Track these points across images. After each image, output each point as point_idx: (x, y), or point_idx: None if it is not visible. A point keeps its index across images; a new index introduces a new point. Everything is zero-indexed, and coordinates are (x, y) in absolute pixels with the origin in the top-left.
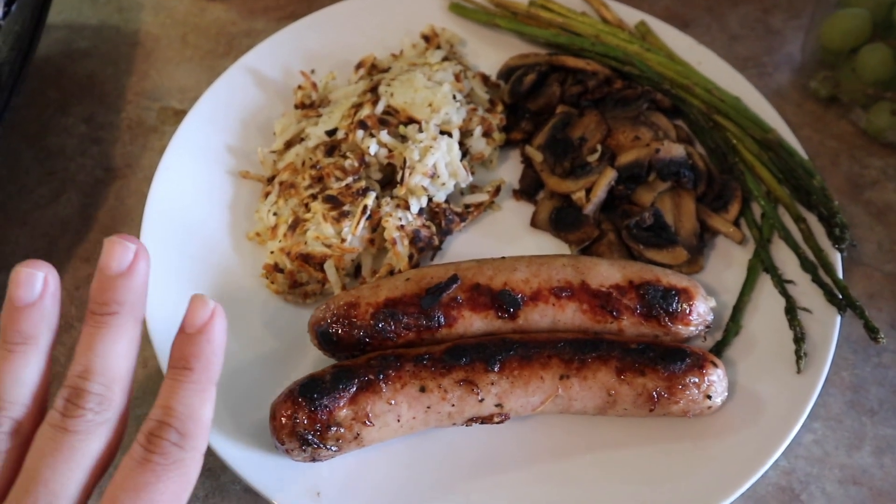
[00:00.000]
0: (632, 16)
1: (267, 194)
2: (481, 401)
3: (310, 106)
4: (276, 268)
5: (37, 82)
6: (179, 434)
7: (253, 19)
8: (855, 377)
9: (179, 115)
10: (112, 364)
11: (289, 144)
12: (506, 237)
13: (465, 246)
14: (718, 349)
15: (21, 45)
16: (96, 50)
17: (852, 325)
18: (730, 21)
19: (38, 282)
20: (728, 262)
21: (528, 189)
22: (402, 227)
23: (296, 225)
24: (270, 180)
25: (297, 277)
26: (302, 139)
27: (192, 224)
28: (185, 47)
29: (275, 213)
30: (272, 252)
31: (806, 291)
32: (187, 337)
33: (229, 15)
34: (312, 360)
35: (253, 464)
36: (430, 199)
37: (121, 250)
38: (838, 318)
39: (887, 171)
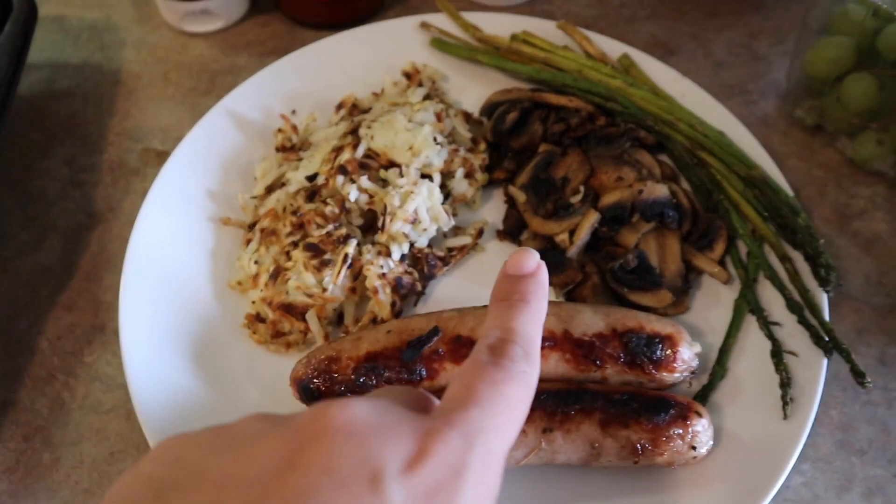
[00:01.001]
0: (616, 48)
1: (248, 241)
2: None
3: (290, 149)
4: (258, 318)
5: (18, 123)
6: (524, 351)
7: (235, 55)
8: (844, 416)
9: (161, 156)
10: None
11: (270, 189)
12: (490, 280)
13: (448, 289)
14: (704, 393)
15: (1, 87)
16: (78, 89)
17: (841, 362)
18: (715, 48)
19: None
20: (714, 301)
21: (512, 230)
22: (383, 275)
23: (277, 274)
24: (252, 227)
25: (279, 327)
26: (283, 184)
27: (174, 272)
28: (167, 85)
29: (256, 262)
30: (254, 302)
31: (792, 333)
32: (520, 278)
33: (211, 51)
34: (295, 410)
35: None
36: (411, 245)
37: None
38: (825, 362)
39: (875, 201)
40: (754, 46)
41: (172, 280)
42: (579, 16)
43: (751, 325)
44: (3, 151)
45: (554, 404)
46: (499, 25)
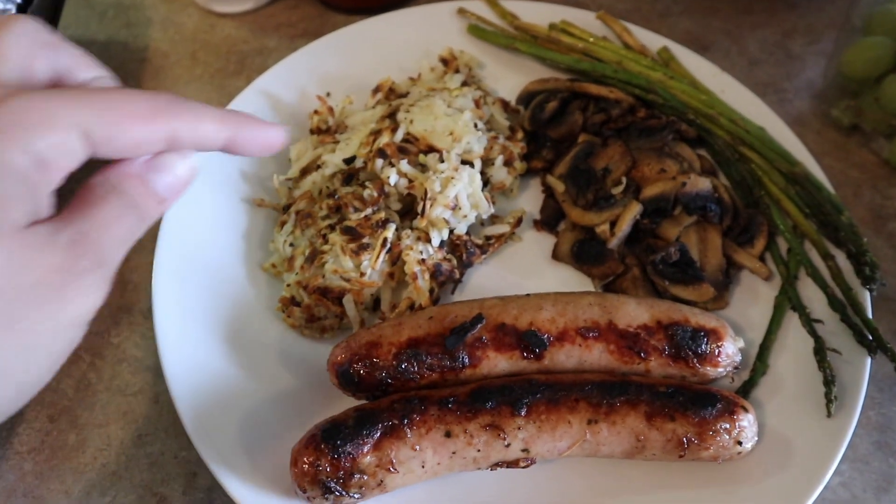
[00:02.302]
0: (653, 41)
1: (283, 224)
2: (507, 446)
3: (326, 131)
4: (293, 301)
5: None
6: None
7: (265, 37)
8: (882, 417)
9: None
10: None
11: (305, 171)
12: (527, 270)
13: (485, 278)
14: (746, 390)
15: None
16: (104, 66)
17: (878, 362)
18: (749, 45)
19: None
20: (754, 298)
21: (550, 220)
22: (422, 260)
23: (313, 257)
24: (286, 209)
25: (314, 311)
26: (318, 166)
27: (206, 254)
28: (194, 65)
29: (291, 244)
30: (288, 285)
31: (833, 331)
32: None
33: (240, 32)
34: (330, 397)
35: None
36: (450, 231)
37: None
38: (868, 361)
39: None
40: (788, 45)
41: (205, 261)
42: (613, 9)
43: (790, 322)
44: None
45: (599, 395)
46: (536, 14)
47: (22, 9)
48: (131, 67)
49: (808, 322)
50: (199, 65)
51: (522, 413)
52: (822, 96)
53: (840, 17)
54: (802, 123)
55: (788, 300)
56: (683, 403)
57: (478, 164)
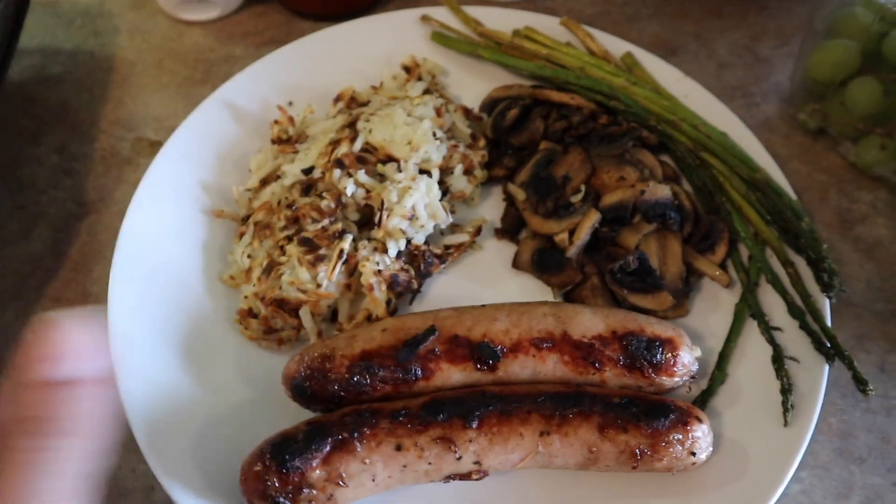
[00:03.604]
0: (618, 46)
1: (241, 235)
2: (459, 458)
3: (286, 141)
4: (251, 313)
5: (8, 110)
6: None
7: (231, 44)
8: (843, 423)
9: (154, 146)
10: None
11: (264, 182)
12: (487, 279)
13: (445, 287)
14: (704, 398)
15: None
16: (70, 76)
17: (841, 368)
18: (718, 48)
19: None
20: (714, 305)
21: (511, 228)
22: (379, 271)
23: (270, 268)
24: (245, 220)
25: (271, 323)
26: (278, 177)
27: (165, 265)
28: (161, 73)
29: (249, 256)
30: (246, 297)
31: (793, 338)
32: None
33: (207, 40)
34: (287, 409)
35: None
36: (408, 242)
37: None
38: (826, 368)
39: (877, 206)
40: (757, 48)
41: (164, 273)
42: (582, 13)
43: (751, 329)
44: None
45: (552, 407)
46: (500, 20)
47: None
48: (98, 77)
49: (767, 330)
50: (166, 73)
51: (474, 425)
52: (790, 100)
53: (809, 19)
54: (770, 128)
55: (748, 307)
56: (636, 414)
57: (436, 173)
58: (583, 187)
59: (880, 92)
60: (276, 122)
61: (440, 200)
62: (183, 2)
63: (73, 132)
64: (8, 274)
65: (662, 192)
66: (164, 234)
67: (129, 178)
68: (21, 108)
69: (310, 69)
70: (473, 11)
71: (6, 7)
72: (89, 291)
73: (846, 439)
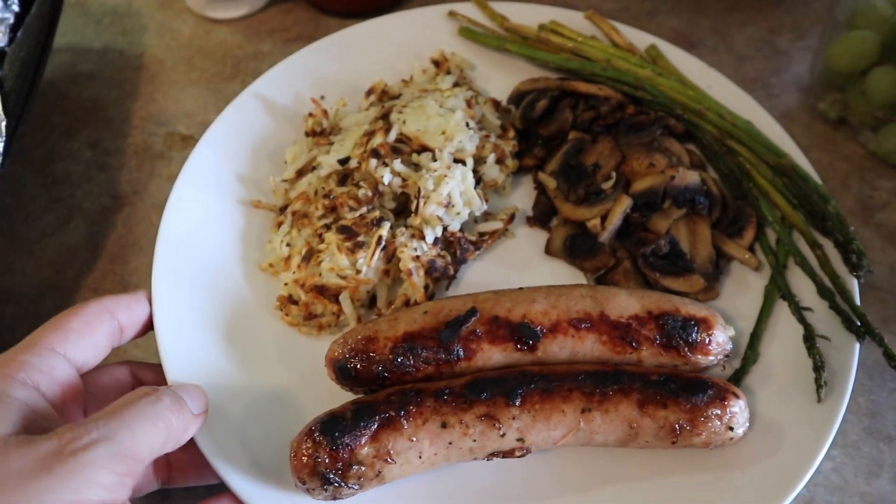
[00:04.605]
0: (641, 39)
1: (279, 224)
2: (503, 435)
3: (321, 133)
4: (291, 300)
5: (41, 107)
6: None
7: (259, 41)
8: (871, 403)
9: (186, 140)
10: None
11: (300, 173)
12: (520, 265)
13: (479, 274)
14: (737, 378)
15: (27, 72)
16: (101, 73)
17: (868, 349)
18: (736, 42)
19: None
20: (744, 288)
21: (542, 216)
22: (417, 257)
23: (310, 256)
24: (283, 210)
25: (311, 309)
26: (314, 168)
27: (205, 255)
28: (190, 70)
29: (288, 244)
30: (286, 284)
31: (823, 318)
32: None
33: (235, 37)
34: (328, 393)
35: (269, 500)
36: (444, 229)
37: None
38: (857, 346)
39: None
40: (775, 41)
41: (204, 262)
42: (600, 8)
43: (780, 311)
44: (26, 135)
45: (592, 385)
46: (526, 15)
47: (20, 17)
48: (128, 74)
49: (798, 310)
50: (195, 70)
51: (517, 403)
52: (809, 91)
53: (826, 12)
54: (790, 118)
55: (778, 289)
56: (675, 391)
57: (470, 162)
58: (613, 174)
59: None
60: (310, 114)
61: (475, 189)
62: (210, 0)
63: (105, 128)
64: (45, 265)
65: (692, 177)
66: (203, 226)
67: (162, 171)
68: (54, 105)
69: (341, 64)
70: (499, 7)
71: (41, 7)
72: (127, 282)
73: (875, 418)
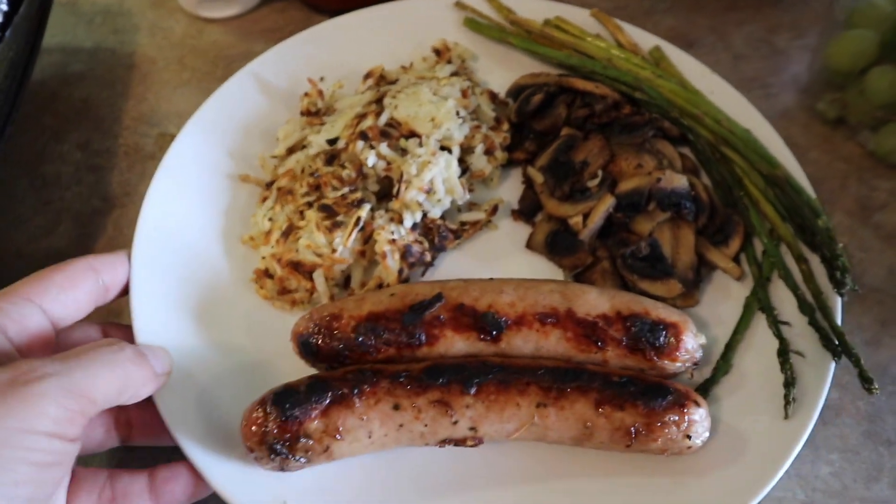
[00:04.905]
0: (647, 40)
1: (265, 199)
2: (455, 423)
3: (315, 113)
4: (266, 273)
5: (31, 108)
6: None
7: (251, 41)
8: (870, 406)
9: None
10: None
11: (291, 151)
12: (500, 257)
13: (457, 263)
14: (706, 387)
15: (16, 73)
16: (92, 73)
17: (866, 353)
18: (734, 41)
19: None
20: (725, 295)
21: (527, 210)
22: (393, 241)
23: (289, 232)
24: (269, 185)
25: (285, 284)
26: (304, 146)
27: (189, 226)
28: (182, 70)
29: (270, 219)
30: (263, 257)
31: (802, 333)
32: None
33: (227, 37)
34: (295, 367)
35: (222, 470)
36: (424, 215)
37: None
38: (832, 365)
39: None
40: (773, 40)
41: (188, 233)
42: (599, 6)
43: (759, 322)
44: (16, 136)
45: (550, 380)
46: (532, 10)
47: (8, 16)
48: (119, 74)
49: (775, 323)
50: (187, 70)
51: (472, 392)
52: (808, 90)
53: (824, 11)
54: (789, 117)
55: (758, 301)
56: (634, 393)
57: (456, 150)
58: (599, 173)
59: None
60: (306, 94)
61: (460, 178)
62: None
63: (95, 129)
64: (34, 268)
65: (678, 181)
66: (190, 198)
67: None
68: (44, 106)
69: (342, 48)
70: (505, 0)
71: (30, 6)
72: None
73: (874, 422)
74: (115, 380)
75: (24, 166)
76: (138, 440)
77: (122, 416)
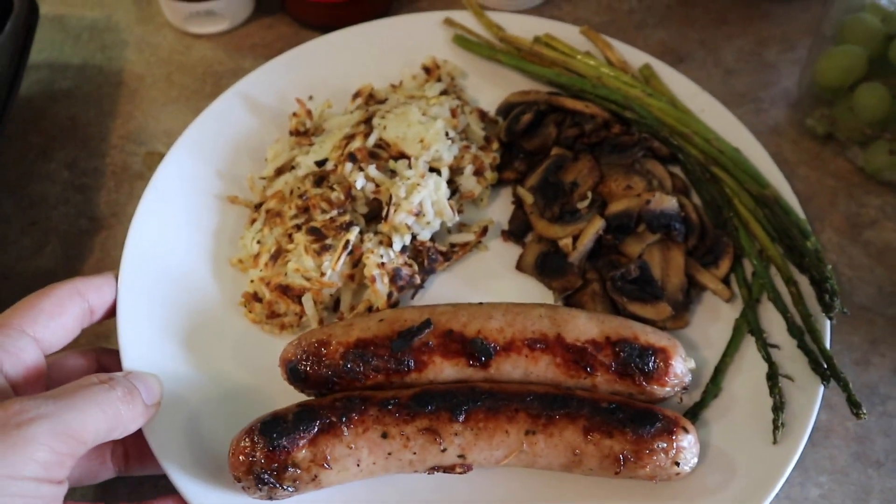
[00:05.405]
0: (637, 57)
1: (253, 221)
2: (444, 451)
3: (304, 133)
4: (255, 297)
5: (17, 126)
6: None
7: (240, 57)
8: (860, 427)
9: None
10: None
11: (279, 171)
12: (490, 279)
13: (447, 285)
14: (695, 410)
15: (1, 90)
16: (79, 90)
17: (855, 372)
18: (724, 55)
19: None
20: (715, 317)
21: (517, 231)
22: (382, 264)
23: (278, 255)
24: (258, 207)
25: (274, 308)
26: (293, 167)
27: (177, 248)
28: (170, 87)
29: (259, 241)
30: (252, 281)
31: (791, 356)
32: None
33: (216, 53)
34: (283, 393)
35: (211, 499)
36: (414, 237)
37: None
38: (821, 389)
39: (886, 210)
40: (763, 54)
41: (175, 255)
42: (588, 21)
43: (749, 345)
44: (2, 154)
45: (539, 407)
46: (522, 27)
47: None
48: (107, 91)
49: (764, 346)
50: (175, 87)
51: (460, 419)
52: (798, 106)
53: (813, 24)
54: (778, 133)
55: (747, 323)
56: (623, 420)
57: (445, 172)
58: (589, 194)
59: (888, 97)
60: (294, 114)
61: (449, 199)
62: (191, 15)
63: (83, 147)
64: (21, 290)
65: (668, 202)
66: (178, 219)
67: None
68: (30, 124)
69: (331, 66)
70: (495, 17)
71: (15, 24)
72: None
73: (863, 444)
74: (106, 420)
75: (9, 186)
76: (136, 470)
77: (119, 447)
